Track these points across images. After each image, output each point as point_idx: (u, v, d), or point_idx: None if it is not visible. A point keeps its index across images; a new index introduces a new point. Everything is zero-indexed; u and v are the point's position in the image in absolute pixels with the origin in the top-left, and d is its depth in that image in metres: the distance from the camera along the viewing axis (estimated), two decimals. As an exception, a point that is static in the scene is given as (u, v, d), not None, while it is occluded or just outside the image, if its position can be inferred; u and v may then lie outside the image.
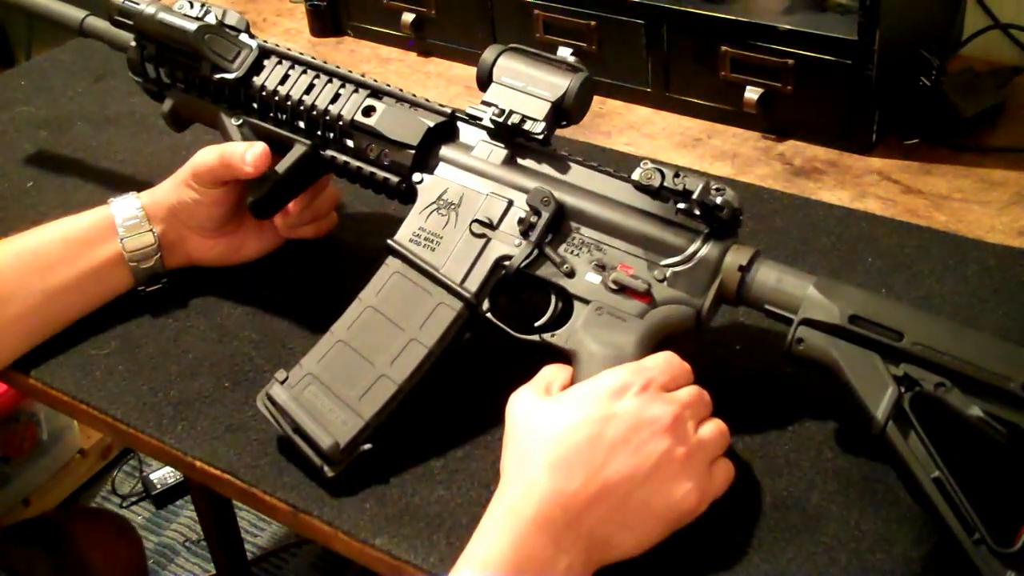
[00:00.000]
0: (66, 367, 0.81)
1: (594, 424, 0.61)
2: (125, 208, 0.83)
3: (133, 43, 0.88)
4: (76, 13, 0.94)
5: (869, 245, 0.86)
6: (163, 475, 2.00)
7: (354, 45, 1.29)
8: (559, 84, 0.74)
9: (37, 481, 1.88)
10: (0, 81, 1.27)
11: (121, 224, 0.83)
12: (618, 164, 0.99)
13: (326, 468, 0.68)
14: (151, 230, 0.83)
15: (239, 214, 0.86)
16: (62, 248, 0.82)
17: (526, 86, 0.75)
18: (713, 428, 0.64)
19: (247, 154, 0.79)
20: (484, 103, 0.76)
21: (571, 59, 0.76)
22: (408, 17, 1.22)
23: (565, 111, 0.74)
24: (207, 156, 0.81)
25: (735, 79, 1.01)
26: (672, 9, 1.02)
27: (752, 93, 1.00)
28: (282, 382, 0.71)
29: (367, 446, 0.69)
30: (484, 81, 0.77)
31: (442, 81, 1.19)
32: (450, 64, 1.22)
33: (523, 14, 1.12)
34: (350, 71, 0.81)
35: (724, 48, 1.00)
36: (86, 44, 1.30)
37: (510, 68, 0.76)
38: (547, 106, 0.74)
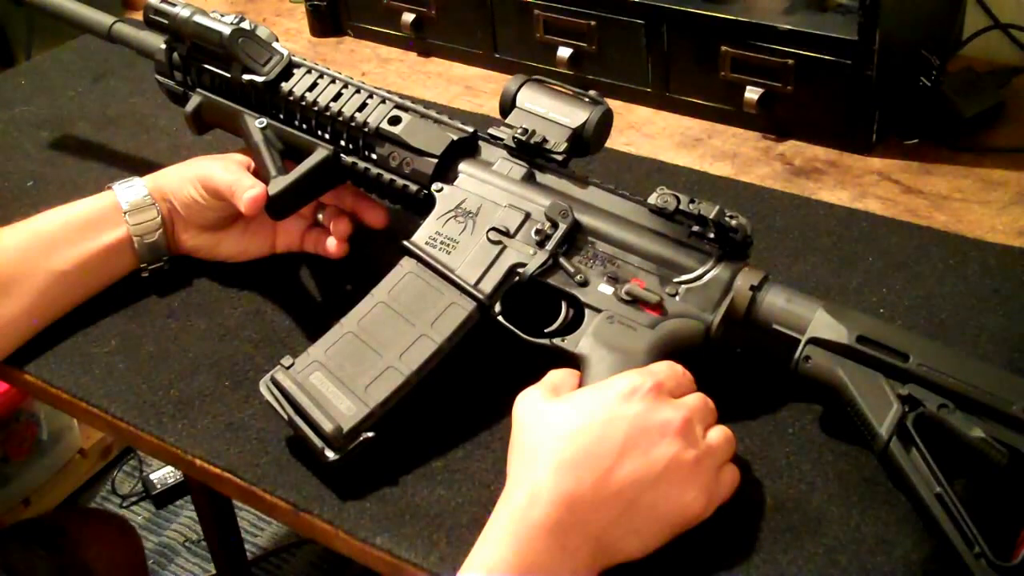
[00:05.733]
0: (66, 365, 0.81)
1: (604, 426, 0.61)
2: (130, 191, 0.85)
3: (163, 45, 0.89)
4: (104, 19, 0.95)
5: (869, 245, 0.86)
6: (163, 475, 2.00)
7: (354, 45, 1.29)
8: (580, 115, 0.77)
9: (37, 481, 1.88)
10: (0, 81, 1.27)
11: (127, 204, 0.84)
12: (619, 164, 0.99)
13: (327, 451, 0.68)
14: (155, 207, 0.85)
15: (229, 217, 0.87)
16: (66, 230, 0.83)
17: (548, 113, 0.78)
18: (720, 434, 0.64)
19: (247, 193, 0.79)
20: (506, 125, 0.79)
21: (592, 93, 0.79)
22: (408, 17, 1.22)
23: (584, 141, 0.77)
24: (221, 176, 0.81)
25: (735, 79, 1.01)
26: (672, 9, 1.02)
27: (752, 93, 1.00)
28: (288, 367, 0.71)
29: (370, 434, 0.69)
30: (507, 107, 0.79)
31: (442, 81, 1.19)
32: (450, 64, 1.22)
33: (523, 14, 1.12)
34: (376, 87, 0.83)
35: (724, 48, 1.01)
36: (86, 44, 1.30)
37: (533, 97, 0.79)
38: (568, 132, 0.77)
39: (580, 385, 0.68)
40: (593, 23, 1.08)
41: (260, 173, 0.81)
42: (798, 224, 0.90)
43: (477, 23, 1.17)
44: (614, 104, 1.11)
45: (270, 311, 0.85)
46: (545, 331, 0.72)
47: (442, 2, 1.19)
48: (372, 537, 0.66)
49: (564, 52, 1.11)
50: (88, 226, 0.84)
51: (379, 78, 1.20)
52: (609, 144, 1.03)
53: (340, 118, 0.81)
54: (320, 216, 0.87)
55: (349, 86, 0.83)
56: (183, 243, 0.87)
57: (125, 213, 0.84)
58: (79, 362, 0.82)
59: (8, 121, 1.15)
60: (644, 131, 1.07)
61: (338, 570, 1.84)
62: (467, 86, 1.17)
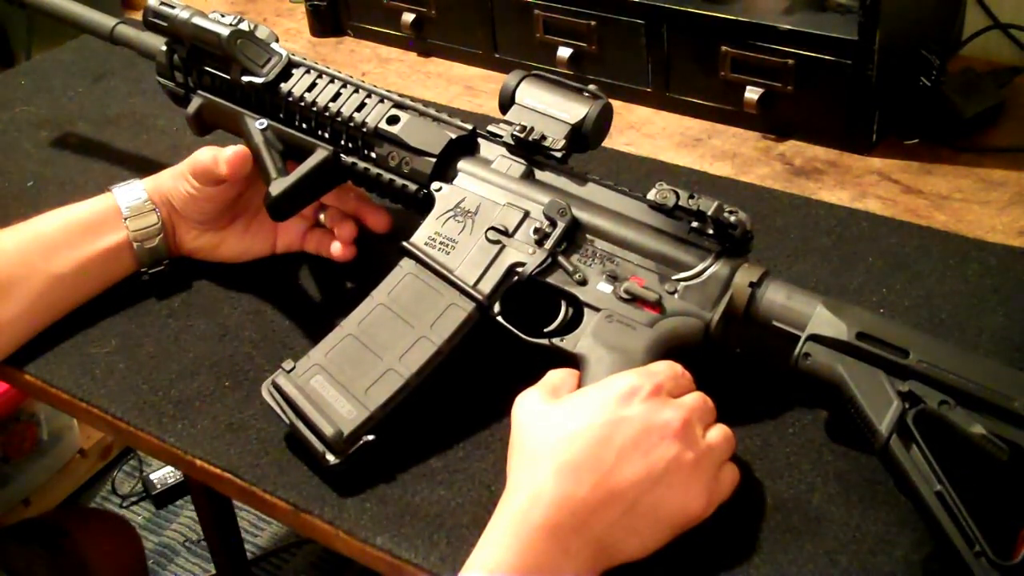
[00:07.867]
0: (66, 365, 0.81)
1: (604, 428, 0.61)
2: (129, 193, 0.85)
3: (163, 47, 0.89)
4: (107, 20, 0.95)
5: (869, 245, 0.86)
6: (163, 475, 2.00)
7: (354, 45, 1.29)
8: (579, 110, 0.77)
9: (37, 481, 1.88)
10: (0, 81, 1.27)
11: (126, 207, 0.84)
12: (619, 164, 0.99)
13: (328, 455, 0.68)
14: (155, 211, 0.85)
15: (229, 214, 0.87)
16: (65, 233, 0.83)
17: (547, 108, 0.77)
18: (719, 433, 0.64)
19: (224, 154, 0.81)
20: (505, 122, 0.78)
21: (591, 87, 0.78)
22: (408, 17, 1.22)
23: (584, 136, 0.77)
24: (204, 155, 0.83)
25: (735, 79, 1.01)
26: (672, 9, 1.02)
27: (752, 93, 1.00)
28: (288, 371, 0.71)
29: (370, 437, 0.69)
30: (506, 103, 0.79)
31: (442, 81, 1.19)
32: (450, 64, 1.22)
33: (523, 14, 1.12)
34: (375, 86, 0.83)
35: (724, 48, 1.01)
36: (86, 44, 1.30)
37: (532, 92, 0.78)
38: (567, 128, 0.76)
39: (579, 385, 0.67)
40: (593, 23, 1.08)
41: (261, 174, 0.81)
42: (798, 224, 0.90)
43: (477, 23, 1.17)
44: (614, 104, 1.11)
45: (270, 311, 0.85)
46: (544, 331, 0.72)
47: (442, 2, 1.19)
48: (372, 537, 0.66)
49: (564, 52, 1.11)
50: (88, 229, 0.84)
51: (379, 78, 1.20)
52: (609, 144, 1.03)
53: (339, 118, 0.81)
54: (322, 217, 0.87)
55: (348, 86, 0.83)
56: (184, 245, 0.87)
57: (125, 218, 0.84)
58: (79, 362, 0.81)
59: (8, 121, 1.15)
60: (644, 131, 1.07)
61: (338, 570, 1.84)
62: (467, 86, 1.17)
